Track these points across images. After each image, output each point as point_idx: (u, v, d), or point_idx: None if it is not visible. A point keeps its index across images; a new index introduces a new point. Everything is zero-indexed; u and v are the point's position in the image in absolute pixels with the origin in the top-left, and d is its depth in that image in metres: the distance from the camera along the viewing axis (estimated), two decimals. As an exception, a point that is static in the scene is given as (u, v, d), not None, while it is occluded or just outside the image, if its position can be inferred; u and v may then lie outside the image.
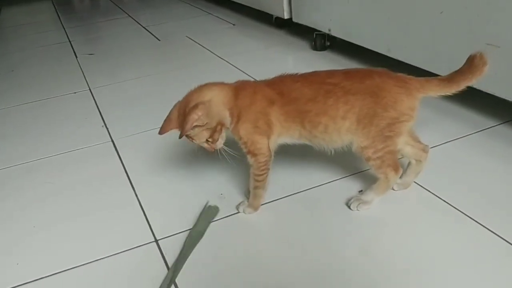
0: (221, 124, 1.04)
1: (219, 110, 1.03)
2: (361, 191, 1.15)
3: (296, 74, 1.08)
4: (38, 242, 1.12)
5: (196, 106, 1.00)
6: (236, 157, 1.08)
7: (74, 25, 3.26)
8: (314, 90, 1.02)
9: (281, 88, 1.05)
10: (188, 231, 1.08)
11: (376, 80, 1.01)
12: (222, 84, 1.09)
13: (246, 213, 1.12)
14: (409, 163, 1.14)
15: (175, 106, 1.07)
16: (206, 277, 0.96)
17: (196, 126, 1.01)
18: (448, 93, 1.03)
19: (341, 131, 1.03)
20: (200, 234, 1.06)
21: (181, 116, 1.03)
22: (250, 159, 1.07)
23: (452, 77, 1.01)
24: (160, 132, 1.06)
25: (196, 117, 0.99)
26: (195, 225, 1.08)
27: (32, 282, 1.00)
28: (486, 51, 0.98)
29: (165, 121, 1.07)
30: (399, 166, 1.07)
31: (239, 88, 1.07)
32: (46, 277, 1.00)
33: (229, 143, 1.09)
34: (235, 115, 1.04)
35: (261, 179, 1.08)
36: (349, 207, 1.10)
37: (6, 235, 1.16)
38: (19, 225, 1.19)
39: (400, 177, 1.13)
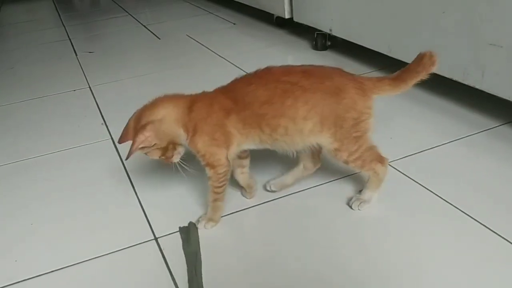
0: (173, 143, 1.01)
1: (170, 129, 1.00)
2: (361, 191, 1.14)
3: (250, 74, 1.04)
4: (36, 239, 1.11)
5: (144, 127, 0.97)
6: (190, 171, 1.07)
7: (74, 23, 3.25)
8: (269, 90, 0.99)
9: (235, 94, 1.02)
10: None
11: (336, 81, 1.00)
12: (178, 97, 1.05)
13: (208, 228, 1.07)
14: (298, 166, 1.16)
15: (134, 114, 1.05)
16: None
17: (143, 147, 0.99)
18: (399, 92, 1.03)
19: (304, 132, 0.99)
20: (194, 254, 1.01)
21: (134, 130, 1.01)
22: (209, 171, 1.03)
23: (400, 76, 1.02)
24: (120, 141, 1.06)
25: (143, 138, 0.97)
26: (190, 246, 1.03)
27: (31, 279, 0.99)
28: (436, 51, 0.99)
29: (124, 130, 1.05)
30: (383, 157, 1.06)
31: (195, 100, 1.03)
32: (44, 274, 1.00)
33: (185, 155, 1.06)
34: (191, 129, 1.01)
35: (220, 191, 1.05)
36: (350, 207, 1.09)
37: (4, 232, 1.15)
38: (17, 222, 1.18)
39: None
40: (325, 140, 1.01)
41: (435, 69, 0.99)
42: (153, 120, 0.99)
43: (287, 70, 1.03)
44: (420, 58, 0.99)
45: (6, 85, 2.14)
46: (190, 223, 1.08)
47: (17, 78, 2.23)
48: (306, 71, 1.02)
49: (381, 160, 1.05)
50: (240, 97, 1.01)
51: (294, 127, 0.99)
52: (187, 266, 0.96)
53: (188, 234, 1.05)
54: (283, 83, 0.99)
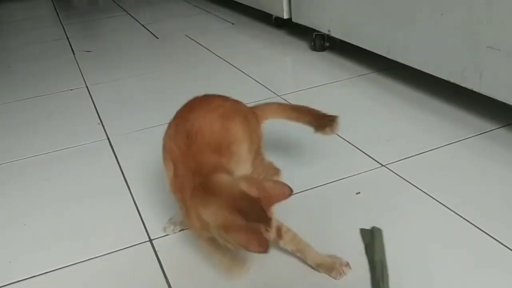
0: None
1: None
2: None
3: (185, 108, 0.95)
4: (30, 240, 1.10)
5: None
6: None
7: (72, 21, 3.24)
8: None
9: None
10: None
11: (242, 106, 0.99)
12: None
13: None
14: None
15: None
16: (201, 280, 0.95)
17: None
18: (287, 120, 1.06)
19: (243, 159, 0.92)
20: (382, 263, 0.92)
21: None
22: None
23: (301, 110, 1.05)
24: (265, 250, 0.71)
25: None
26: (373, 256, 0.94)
27: (24, 281, 0.98)
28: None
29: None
30: None
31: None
32: (38, 275, 0.99)
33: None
34: None
35: None
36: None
37: (-2, 233, 1.14)
38: (11, 223, 1.17)
39: None
40: (247, 170, 0.92)
41: (324, 133, 1.02)
42: None
43: (210, 97, 0.96)
44: (332, 120, 1.02)
45: (3, 83, 2.13)
46: (375, 228, 1.00)
47: (14, 77, 2.22)
48: (221, 97, 0.97)
49: None
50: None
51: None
52: (371, 275, 0.90)
53: (373, 239, 0.96)
54: (219, 107, 0.93)
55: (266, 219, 0.73)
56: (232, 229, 0.73)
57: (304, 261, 0.93)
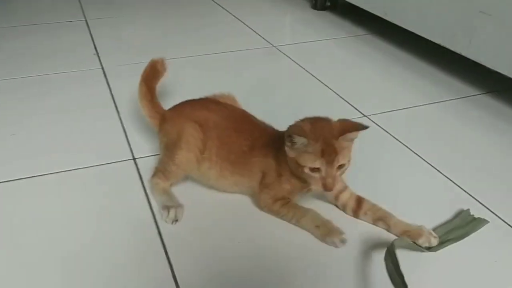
0: None
1: None
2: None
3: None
4: (16, 149, 1.14)
5: None
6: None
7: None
8: None
9: None
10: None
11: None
12: None
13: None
14: None
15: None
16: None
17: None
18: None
19: None
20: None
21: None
22: None
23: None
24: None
25: None
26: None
27: (8, 182, 1.02)
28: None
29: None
30: None
31: None
32: (20, 179, 1.03)
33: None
34: None
35: None
36: None
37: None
38: None
39: None
40: None
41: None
42: None
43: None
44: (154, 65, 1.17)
45: (3, 10, 2.13)
46: (480, 219, 0.92)
47: (13, 5, 2.21)
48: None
49: None
50: None
51: None
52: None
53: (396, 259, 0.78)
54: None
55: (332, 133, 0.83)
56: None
57: (387, 229, 0.89)
